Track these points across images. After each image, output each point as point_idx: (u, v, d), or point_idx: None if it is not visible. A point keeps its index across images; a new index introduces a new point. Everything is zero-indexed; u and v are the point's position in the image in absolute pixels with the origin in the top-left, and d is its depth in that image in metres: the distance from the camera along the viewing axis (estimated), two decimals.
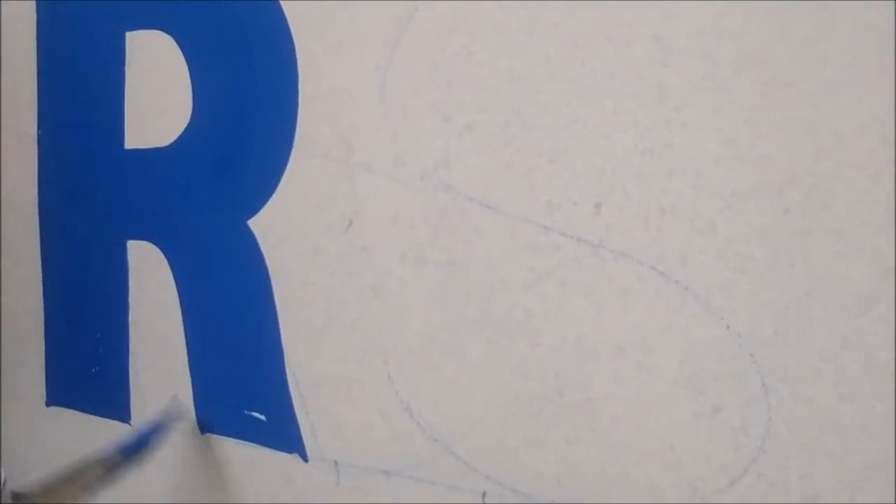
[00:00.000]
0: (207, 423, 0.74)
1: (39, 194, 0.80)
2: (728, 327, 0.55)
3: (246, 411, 0.72)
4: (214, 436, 0.75)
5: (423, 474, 0.65)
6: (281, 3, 0.66)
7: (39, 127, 0.80)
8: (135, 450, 0.69)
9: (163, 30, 0.72)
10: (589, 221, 0.58)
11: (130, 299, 0.77)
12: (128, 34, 0.74)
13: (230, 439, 0.74)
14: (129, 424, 0.78)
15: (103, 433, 0.79)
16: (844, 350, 0.52)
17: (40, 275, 0.82)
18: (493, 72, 0.60)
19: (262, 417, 0.72)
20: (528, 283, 0.60)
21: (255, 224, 0.70)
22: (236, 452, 0.74)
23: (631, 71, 0.55)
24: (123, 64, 0.74)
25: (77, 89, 0.77)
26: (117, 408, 0.79)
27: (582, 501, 0.60)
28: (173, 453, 0.75)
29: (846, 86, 0.50)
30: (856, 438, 0.52)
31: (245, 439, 0.73)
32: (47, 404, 0.83)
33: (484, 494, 0.63)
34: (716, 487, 0.56)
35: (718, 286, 0.55)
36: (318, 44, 0.65)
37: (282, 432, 0.71)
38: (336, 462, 0.69)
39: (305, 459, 0.70)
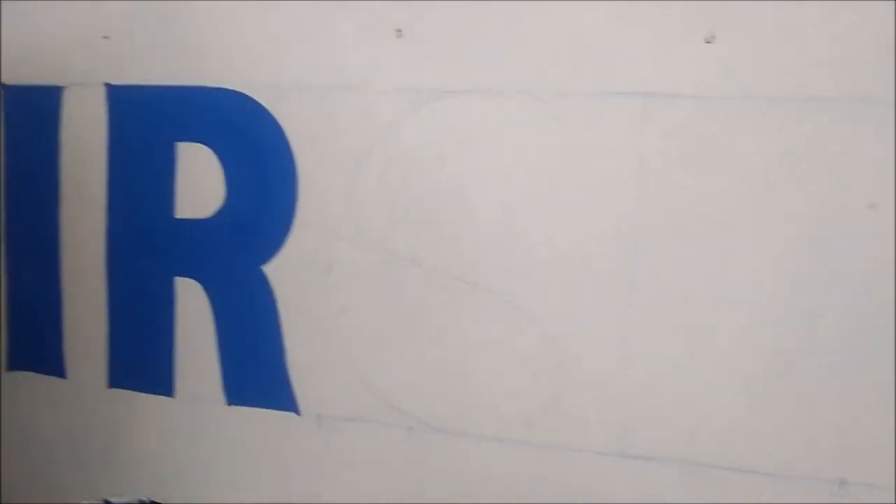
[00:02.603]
0: (232, 398, 1.15)
1: (107, 247, 1.18)
2: (542, 329, 1.01)
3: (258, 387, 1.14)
4: (237, 406, 1.16)
5: (373, 418, 1.09)
6: (286, 134, 1.08)
7: (109, 199, 1.18)
8: None
9: (203, 143, 1.12)
10: (470, 272, 1.03)
11: (176, 317, 1.17)
12: (177, 144, 1.13)
13: (248, 408, 1.15)
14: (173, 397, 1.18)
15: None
16: (600, 342, 0.99)
17: (107, 302, 1.20)
18: (418, 188, 1.04)
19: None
20: (436, 306, 1.05)
21: (268, 269, 1.11)
22: (253, 415, 1.15)
23: (488, 196, 1.01)
24: (174, 164, 1.14)
25: (143, 176, 1.16)
26: (166, 385, 1.18)
27: (464, 427, 1.05)
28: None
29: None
30: (604, 384, 1.00)
31: (257, 406, 1.14)
32: (109, 386, 1.22)
33: (410, 428, 1.08)
34: (535, 416, 1.03)
35: (538, 306, 1.01)
36: (309, 159, 1.08)
37: (282, 399, 1.13)
38: (319, 415, 1.12)
39: (298, 413, 1.12)
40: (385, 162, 1.05)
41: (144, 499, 1.04)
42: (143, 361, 1.20)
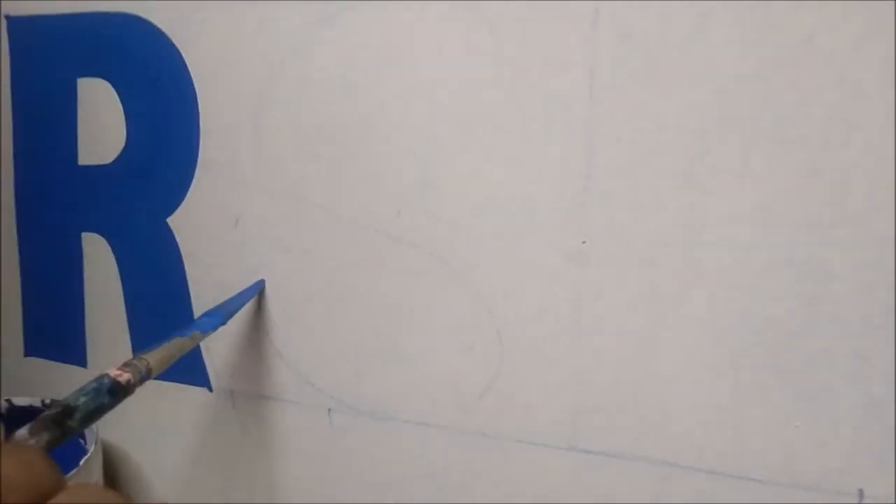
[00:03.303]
0: None
1: (16, 198, 1.06)
2: (476, 293, 0.82)
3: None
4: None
5: (289, 397, 0.93)
6: (186, 61, 0.92)
7: (14, 145, 1.05)
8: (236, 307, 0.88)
9: (104, 78, 0.97)
10: (392, 222, 0.85)
11: (85, 276, 1.03)
12: (79, 80, 0.99)
13: (161, 382, 1.01)
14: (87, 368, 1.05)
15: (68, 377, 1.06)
16: (544, 307, 0.79)
17: (18, 257, 1.08)
18: (329, 118, 0.86)
19: None
20: (355, 265, 0.87)
21: (172, 221, 0.96)
22: (167, 390, 1.01)
23: (410, 127, 0.82)
24: (76, 102, 1.00)
25: (44, 119, 1.03)
26: (80, 355, 1.06)
27: (390, 411, 0.88)
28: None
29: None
30: (553, 363, 0.80)
31: (170, 380, 1.00)
32: (25, 355, 1.10)
33: (329, 410, 0.91)
34: (472, 399, 0.84)
35: (471, 266, 0.82)
36: (210, 90, 0.91)
37: (194, 372, 0.98)
38: (232, 391, 0.96)
39: (210, 390, 0.98)
40: (291, 88, 0.87)
41: (46, 400, 1.01)
42: (55, 329, 1.07)
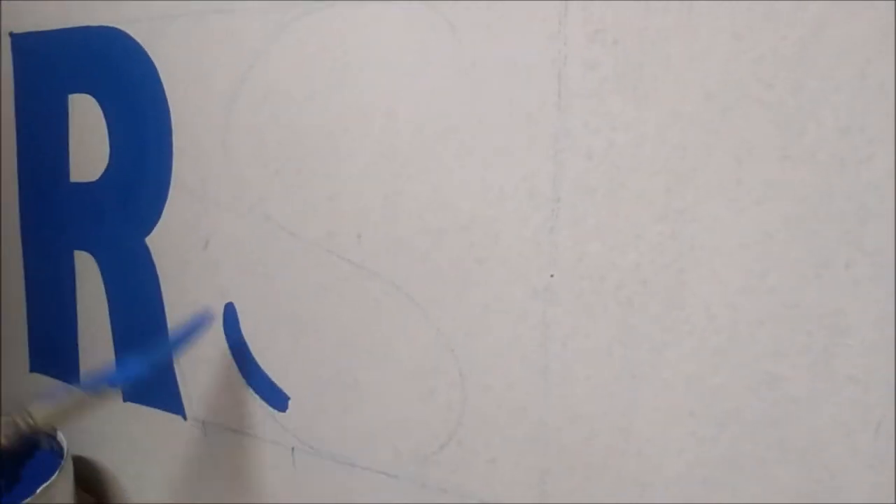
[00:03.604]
0: (126, 394, 0.98)
1: (21, 215, 1.06)
2: (438, 329, 0.72)
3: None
4: (133, 404, 0.99)
5: (256, 432, 0.86)
6: (160, 76, 0.88)
7: (18, 162, 1.05)
8: (173, 346, 0.83)
9: (90, 94, 0.95)
10: (353, 247, 0.77)
11: (77, 292, 1.02)
12: (70, 96, 0.98)
13: (141, 406, 0.97)
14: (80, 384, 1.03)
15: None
16: (509, 350, 0.68)
17: (24, 280, 1.08)
18: (290, 132, 0.79)
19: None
20: (317, 292, 0.80)
21: (150, 241, 0.92)
22: (147, 414, 0.97)
23: (370, 140, 0.74)
24: (68, 117, 0.98)
25: (41, 134, 1.02)
26: (73, 374, 1.04)
27: (351, 456, 0.79)
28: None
29: None
30: (519, 415, 0.69)
31: (148, 405, 0.96)
32: (30, 371, 1.10)
33: (293, 449, 0.84)
34: (432, 450, 0.74)
35: (433, 299, 0.72)
36: (182, 106, 0.86)
37: (169, 399, 0.93)
38: (203, 422, 0.91)
39: (185, 418, 0.93)
40: (255, 100, 0.81)
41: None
42: (55, 346, 1.06)
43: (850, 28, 0.53)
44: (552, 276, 0.66)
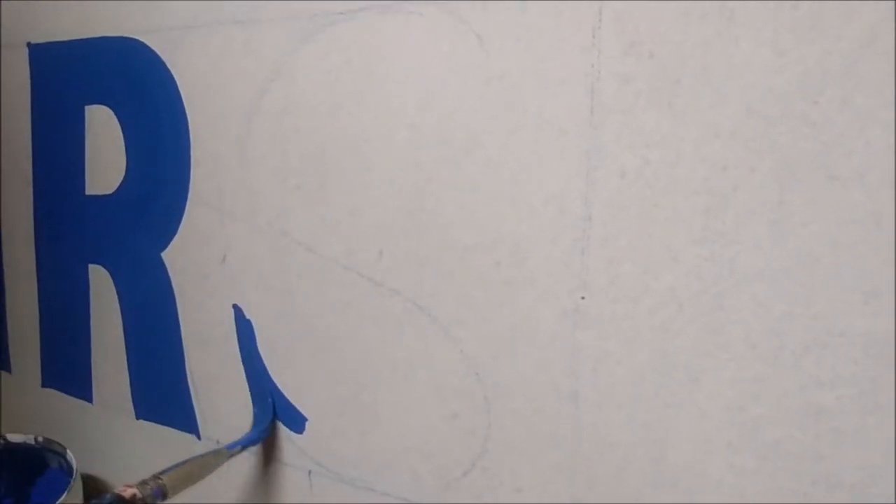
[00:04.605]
0: (140, 412, 0.96)
1: (35, 228, 1.05)
2: (461, 351, 0.70)
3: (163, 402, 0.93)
4: (146, 422, 0.96)
5: (272, 453, 0.84)
6: (179, 87, 0.86)
7: (33, 173, 1.04)
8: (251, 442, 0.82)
9: (107, 105, 0.94)
10: (374, 264, 0.74)
11: (91, 307, 1.00)
12: (86, 107, 0.96)
13: (154, 424, 0.95)
14: (92, 403, 1.02)
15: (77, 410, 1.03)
16: (538, 374, 0.66)
17: (37, 292, 1.07)
18: (311, 145, 0.77)
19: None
20: (336, 311, 0.77)
21: (166, 256, 0.90)
22: (160, 433, 0.95)
23: (394, 154, 0.71)
24: (84, 129, 0.97)
25: (56, 146, 1.01)
26: (85, 388, 1.02)
27: (370, 480, 0.77)
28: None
29: None
30: (547, 442, 0.66)
31: (161, 423, 0.94)
32: (42, 386, 1.08)
33: (310, 472, 0.81)
34: (455, 476, 0.71)
35: (456, 319, 0.70)
36: (200, 117, 0.85)
37: (183, 418, 0.91)
38: (218, 441, 0.89)
39: (199, 438, 0.91)
40: (276, 113, 0.79)
41: (39, 438, 0.99)
42: (67, 360, 1.05)
43: None
44: (583, 297, 0.63)
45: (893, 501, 0.53)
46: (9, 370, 1.12)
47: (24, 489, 0.97)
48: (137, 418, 0.97)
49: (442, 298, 0.70)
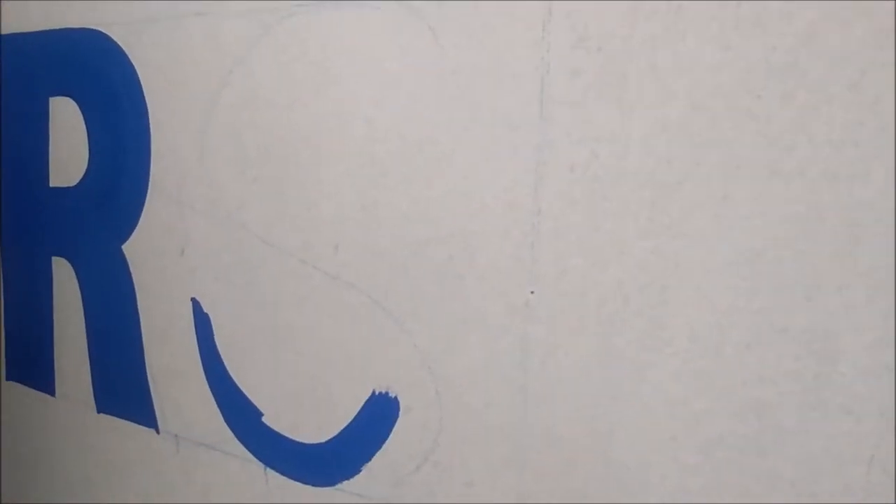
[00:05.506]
0: (100, 405, 0.96)
1: (1, 216, 1.04)
2: (415, 345, 0.69)
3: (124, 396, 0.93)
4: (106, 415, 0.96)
5: (228, 448, 0.83)
6: (140, 79, 0.86)
7: (0, 164, 1.03)
8: None
9: (71, 97, 0.93)
10: (330, 258, 0.74)
11: (55, 300, 0.99)
12: (51, 99, 0.96)
13: (114, 417, 0.95)
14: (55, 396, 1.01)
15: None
16: (488, 368, 0.66)
17: (2, 276, 1.06)
18: (269, 138, 0.77)
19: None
20: (293, 304, 0.77)
21: (127, 248, 0.90)
22: (121, 427, 0.94)
23: (349, 148, 0.71)
24: (48, 122, 0.96)
25: (22, 138, 1.00)
26: (48, 383, 1.01)
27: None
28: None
29: None
30: (497, 436, 0.66)
31: (122, 417, 0.94)
32: (7, 379, 1.08)
33: (265, 468, 0.81)
34: (407, 471, 0.71)
35: (410, 313, 0.69)
36: (161, 110, 0.84)
37: (143, 412, 0.91)
38: (177, 436, 0.88)
39: (158, 432, 0.90)
40: (235, 105, 0.79)
41: None
42: (31, 354, 1.04)
43: (843, 38, 0.50)
44: (532, 292, 0.63)
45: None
46: None
47: None
48: (98, 412, 0.96)
49: (396, 292, 0.70)
